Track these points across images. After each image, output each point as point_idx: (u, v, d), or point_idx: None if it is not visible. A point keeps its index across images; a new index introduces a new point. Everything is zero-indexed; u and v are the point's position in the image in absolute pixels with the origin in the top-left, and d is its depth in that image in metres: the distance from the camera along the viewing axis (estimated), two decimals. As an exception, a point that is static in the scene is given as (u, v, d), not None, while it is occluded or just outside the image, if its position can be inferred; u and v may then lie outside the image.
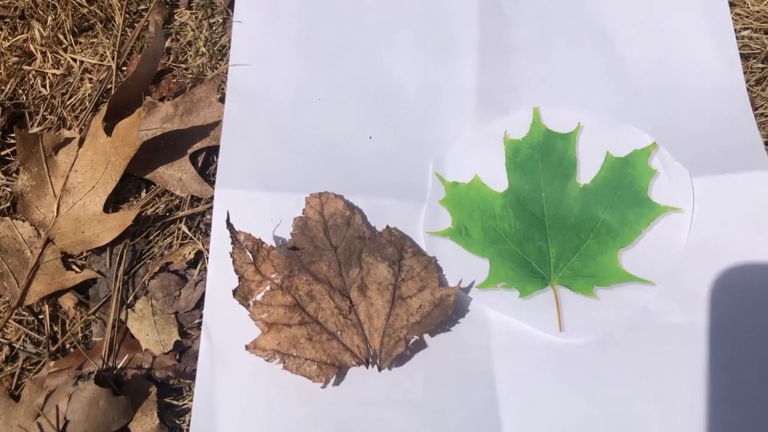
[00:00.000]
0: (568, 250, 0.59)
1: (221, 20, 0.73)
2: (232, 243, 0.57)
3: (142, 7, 0.74)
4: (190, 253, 0.62)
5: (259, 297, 0.55)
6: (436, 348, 0.57)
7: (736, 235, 0.59)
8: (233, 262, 0.56)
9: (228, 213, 0.57)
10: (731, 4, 0.70)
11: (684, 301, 0.57)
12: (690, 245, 0.59)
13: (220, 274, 0.59)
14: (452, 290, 0.56)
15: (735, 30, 0.68)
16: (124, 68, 0.71)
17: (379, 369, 0.54)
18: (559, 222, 0.60)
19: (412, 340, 0.55)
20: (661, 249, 0.59)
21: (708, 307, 0.57)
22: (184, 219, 0.64)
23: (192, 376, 0.57)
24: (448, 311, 0.55)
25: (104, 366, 0.58)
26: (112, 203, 0.64)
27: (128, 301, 0.60)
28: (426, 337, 0.57)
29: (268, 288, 0.56)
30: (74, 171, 0.64)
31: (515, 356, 0.56)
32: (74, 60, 0.71)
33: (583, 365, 0.55)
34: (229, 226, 0.57)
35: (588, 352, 0.56)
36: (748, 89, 0.65)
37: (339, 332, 0.55)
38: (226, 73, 0.68)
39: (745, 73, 0.66)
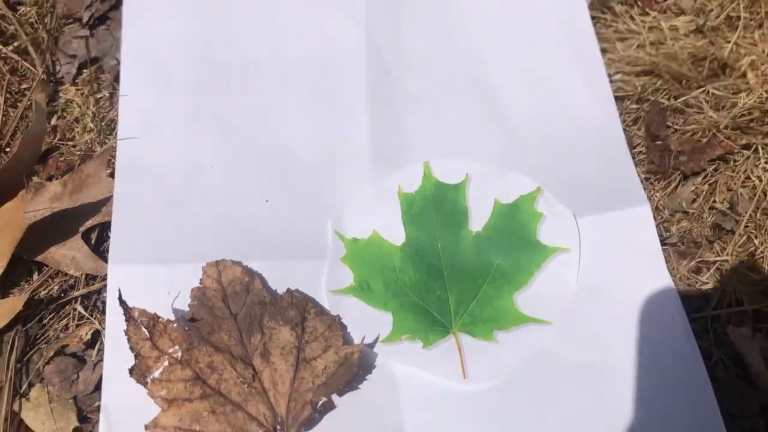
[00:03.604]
0: (467, 296, 0.60)
1: (108, 95, 0.72)
2: (126, 320, 0.55)
3: (25, 86, 0.72)
4: (86, 333, 0.60)
5: (157, 373, 0.54)
6: (345, 407, 0.56)
7: (623, 270, 0.61)
8: (128, 339, 0.55)
9: (120, 290, 0.56)
10: (603, 50, 0.73)
11: (581, 341, 0.58)
12: (581, 283, 0.61)
13: (117, 352, 0.57)
14: (357, 348, 0.56)
15: (608, 74, 0.72)
16: (8, 149, 0.69)
17: (287, 436, 0.54)
18: (456, 270, 0.61)
19: (320, 403, 0.55)
20: (555, 289, 0.60)
21: (604, 345, 0.58)
22: (79, 299, 0.62)
23: (93, 463, 0.55)
24: (353, 369, 0.55)
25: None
26: (1, 289, 0.62)
27: (22, 390, 0.58)
28: (334, 397, 0.56)
29: (166, 363, 0.55)
30: (-43, 261, 0.61)
31: (423, 407, 0.56)
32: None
33: (489, 411, 0.56)
34: (122, 303, 0.56)
35: (492, 398, 0.56)
36: (625, 129, 0.68)
37: (243, 402, 0.54)
38: (116, 147, 0.67)
39: (621, 114, 0.69)
